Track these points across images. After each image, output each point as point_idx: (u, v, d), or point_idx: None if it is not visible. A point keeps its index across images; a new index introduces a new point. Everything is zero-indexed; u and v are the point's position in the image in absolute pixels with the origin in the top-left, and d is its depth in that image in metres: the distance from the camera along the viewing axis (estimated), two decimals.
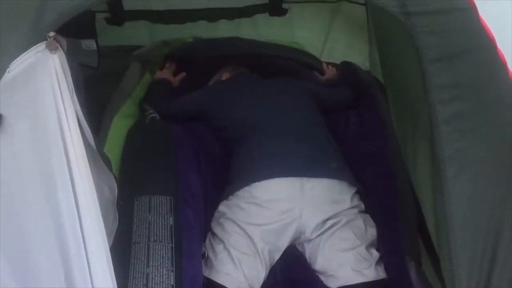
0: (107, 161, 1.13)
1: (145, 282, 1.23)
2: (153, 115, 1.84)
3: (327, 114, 1.87)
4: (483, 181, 1.03)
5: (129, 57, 2.15)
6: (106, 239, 0.91)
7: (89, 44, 1.75)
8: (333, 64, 2.31)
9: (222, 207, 1.53)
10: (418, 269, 1.39)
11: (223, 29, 2.41)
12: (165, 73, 2.17)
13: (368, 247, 1.46)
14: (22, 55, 0.88)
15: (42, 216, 0.88)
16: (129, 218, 1.35)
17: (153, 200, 1.41)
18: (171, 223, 1.36)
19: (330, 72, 2.24)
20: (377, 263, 1.43)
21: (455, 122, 1.02)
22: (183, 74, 2.19)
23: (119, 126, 1.74)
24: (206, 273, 1.39)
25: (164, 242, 1.31)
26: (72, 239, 0.87)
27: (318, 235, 1.47)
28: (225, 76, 2.05)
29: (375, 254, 1.46)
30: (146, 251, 1.28)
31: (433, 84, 1.02)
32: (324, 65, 2.29)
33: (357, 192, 1.56)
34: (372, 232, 1.50)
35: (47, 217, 0.88)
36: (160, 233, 1.33)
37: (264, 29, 2.47)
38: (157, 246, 1.30)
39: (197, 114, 1.89)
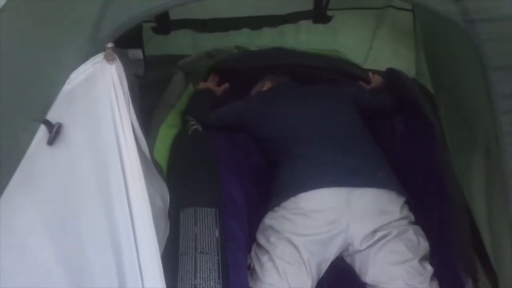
0: (160, 169, 1.14)
1: None
2: (195, 126, 1.84)
3: (371, 121, 1.84)
4: None
5: (174, 67, 2.17)
6: (157, 247, 0.91)
7: (136, 53, 1.78)
8: (378, 72, 2.26)
9: (267, 219, 1.51)
10: (474, 285, 1.34)
11: (266, 37, 2.42)
12: (209, 84, 2.18)
13: (421, 260, 1.41)
14: (81, 66, 0.90)
15: (97, 223, 0.89)
16: (175, 229, 1.35)
17: (198, 212, 1.41)
18: (216, 235, 1.36)
19: (376, 80, 2.19)
20: (432, 278, 1.39)
21: None
22: (226, 85, 2.19)
23: (166, 135, 1.75)
24: (251, 284, 1.38)
25: (211, 254, 1.31)
26: (126, 246, 0.88)
27: (368, 247, 1.43)
28: (266, 85, 2.04)
29: (429, 268, 1.41)
30: (193, 263, 1.28)
31: (497, 93, 0.97)
32: (370, 74, 2.24)
33: (406, 202, 1.52)
34: (424, 245, 1.45)
35: (102, 223, 0.88)
36: (207, 245, 1.33)
37: (306, 36, 2.46)
38: (204, 258, 1.30)
39: (238, 124, 1.88)
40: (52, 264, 0.89)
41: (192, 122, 1.87)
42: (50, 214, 0.90)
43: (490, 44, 0.97)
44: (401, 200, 1.50)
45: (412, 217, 1.51)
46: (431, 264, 1.43)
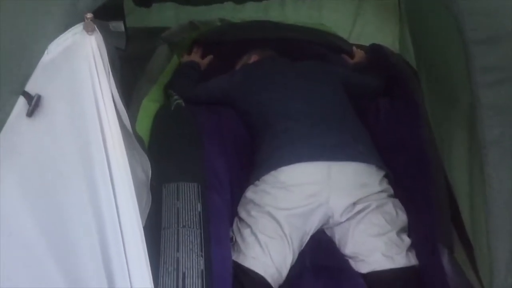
0: (140, 141, 1.13)
1: (175, 266, 1.24)
2: (178, 101, 1.83)
3: (357, 102, 1.84)
4: None
5: (157, 39, 2.14)
6: (139, 217, 0.91)
7: (117, 25, 1.74)
8: (362, 47, 2.26)
9: (248, 193, 1.52)
10: (450, 256, 1.37)
11: (250, 11, 2.40)
12: (193, 57, 2.16)
13: (399, 232, 1.44)
14: (60, 36, 0.88)
15: (80, 193, 0.88)
16: (158, 204, 1.36)
17: (181, 187, 1.42)
18: (199, 209, 1.37)
19: (359, 55, 2.19)
20: (409, 249, 1.42)
21: (499, 106, 0.99)
22: (210, 57, 2.18)
23: (148, 109, 1.75)
24: (234, 257, 1.40)
25: (193, 228, 1.33)
26: (108, 216, 0.88)
27: (347, 219, 1.46)
28: (253, 58, 2.03)
29: (407, 240, 1.44)
30: (175, 237, 1.30)
31: (476, 66, 0.99)
32: (354, 48, 2.24)
33: (385, 176, 1.54)
34: (402, 217, 1.48)
35: (85, 194, 0.88)
36: (189, 219, 1.34)
37: (292, 11, 2.45)
38: (186, 232, 1.31)
39: (223, 98, 1.88)
40: (34, 235, 0.89)
41: (175, 97, 1.86)
42: (31, 185, 0.90)
43: (471, 18, 0.97)
44: (380, 173, 1.52)
45: (391, 191, 1.54)
46: (409, 236, 1.46)
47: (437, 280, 1.35)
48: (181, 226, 1.32)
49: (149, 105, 1.78)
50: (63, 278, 0.84)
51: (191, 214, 1.36)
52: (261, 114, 1.71)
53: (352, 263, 1.44)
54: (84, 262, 0.86)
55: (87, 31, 0.89)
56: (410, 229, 1.48)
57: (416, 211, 1.50)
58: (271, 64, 1.92)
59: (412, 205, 1.52)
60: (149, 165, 1.23)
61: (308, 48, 2.20)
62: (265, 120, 1.68)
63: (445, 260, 1.38)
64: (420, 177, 1.55)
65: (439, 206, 1.46)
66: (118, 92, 0.96)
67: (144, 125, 1.68)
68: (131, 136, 1.05)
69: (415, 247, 1.44)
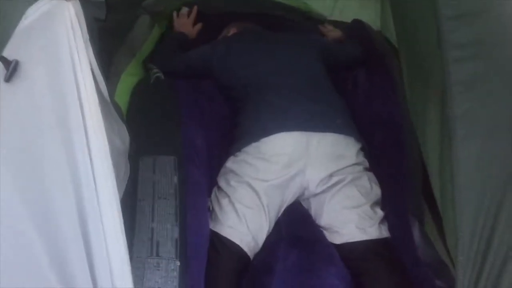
0: (119, 110, 1.14)
1: (150, 236, 1.27)
2: (157, 74, 1.83)
3: (335, 73, 1.86)
4: (493, 141, 1.03)
5: (138, 9, 2.11)
6: (116, 186, 0.92)
7: None
8: (342, 24, 2.27)
9: (229, 163, 1.55)
10: (421, 228, 1.42)
11: None
12: (184, 24, 2.14)
13: (373, 205, 1.48)
14: (38, 2, 0.88)
15: (57, 156, 0.89)
16: (134, 176, 1.38)
17: (157, 160, 1.44)
18: (175, 181, 1.39)
19: (336, 34, 2.19)
20: (381, 222, 1.46)
21: (469, 82, 1.01)
22: (199, 25, 2.17)
23: (127, 83, 1.74)
24: (211, 225, 1.43)
25: (168, 199, 1.35)
26: (85, 183, 0.89)
27: (323, 191, 1.49)
28: (232, 31, 2.03)
29: (380, 213, 1.48)
30: (151, 208, 1.32)
31: (448, 41, 1.00)
32: (330, 27, 2.25)
33: (361, 149, 1.58)
34: (376, 191, 1.52)
35: (64, 160, 0.89)
36: (165, 191, 1.36)
37: None
38: (161, 203, 1.33)
39: (202, 70, 1.87)
40: (13, 204, 0.89)
41: (155, 70, 1.85)
42: (9, 152, 0.90)
43: None
44: (357, 145, 1.56)
45: (367, 164, 1.57)
46: (383, 209, 1.50)
47: (407, 251, 1.40)
48: (157, 198, 1.34)
49: (128, 79, 1.77)
50: (39, 236, 0.85)
51: (167, 186, 1.37)
52: (242, 87, 1.72)
53: (326, 234, 1.48)
54: (62, 223, 0.86)
55: None
56: (384, 202, 1.52)
57: (390, 184, 1.54)
58: (252, 37, 1.93)
59: (386, 179, 1.56)
60: (127, 135, 1.24)
61: (286, 22, 2.21)
62: (246, 92, 1.69)
63: (415, 232, 1.43)
64: (395, 151, 1.59)
65: (411, 180, 1.50)
66: (97, 61, 0.96)
67: (123, 98, 1.67)
68: (108, 105, 1.06)
69: (388, 219, 1.48)
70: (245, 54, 1.80)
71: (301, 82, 1.67)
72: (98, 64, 0.98)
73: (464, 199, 1.06)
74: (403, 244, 1.42)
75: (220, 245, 1.37)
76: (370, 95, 1.83)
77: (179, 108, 1.67)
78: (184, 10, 2.20)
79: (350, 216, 1.45)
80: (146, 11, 2.13)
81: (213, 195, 1.52)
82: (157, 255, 1.22)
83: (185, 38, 2.09)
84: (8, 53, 0.89)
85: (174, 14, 2.19)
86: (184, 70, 1.89)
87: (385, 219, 1.48)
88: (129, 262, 0.87)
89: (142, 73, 1.90)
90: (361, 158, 1.56)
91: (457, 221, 1.06)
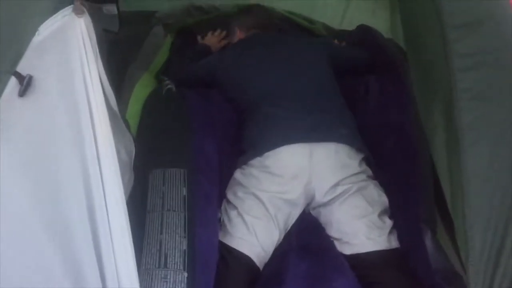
0: (126, 124, 1.16)
1: (158, 247, 1.27)
2: (169, 86, 1.83)
3: (345, 80, 1.84)
4: (501, 149, 1.03)
5: (152, 19, 2.15)
6: (123, 193, 0.95)
7: (110, 8, 1.77)
8: (347, 31, 2.26)
9: (237, 174, 1.56)
10: (433, 237, 1.40)
11: None
12: (210, 39, 2.18)
13: (381, 214, 1.47)
14: (50, 18, 0.91)
15: (70, 166, 0.92)
16: (144, 188, 1.39)
17: (167, 173, 1.44)
18: (184, 193, 1.39)
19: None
20: (391, 231, 1.45)
21: (475, 90, 1.02)
22: (225, 42, 2.19)
23: (140, 93, 1.76)
24: (221, 237, 1.43)
25: (177, 211, 1.35)
26: (96, 190, 0.91)
27: (330, 201, 1.49)
28: (238, 35, 2.02)
29: (388, 222, 1.47)
30: (160, 220, 1.32)
31: (454, 50, 1.01)
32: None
33: (363, 158, 1.57)
34: (383, 199, 1.51)
35: (75, 166, 0.92)
36: (174, 203, 1.37)
37: None
38: (170, 215, 1.34)
39: (210, 81, 1.88)
40: (27, 211, 0.92)
41: (167, 82, 1.86)
42: (24, 164, 0.93)
43: (448, 3, 1.00)
44: (360, 155, 1.55)
45: (370, 172, 1.56)
46: (394, 217, 1.49)
47: (420, 260, 1.37)
48: (166, 209, 1.35)
49: (141, 90, 1.79)
50: (53, 245, 0.88)
51: (176, 198, 1.38)
52: (245, 99, 1.72)
53: (337, 244, 1.47)
54: (74, 230, 0.89)
55: (77, 14, 0.92)
56: (395, 210, 1.51)
57: (402, 192, 1.52)
58: (259, 46, 1.89)
59: (397, 186, 1.54)
60: (133, 147, 1.26)
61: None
62: (250, 104, 1.69)
63: (428, 240, 1.41)
64: (406, 158, 1.57)
65: (423, 188, 1.49)
66: (106, 73, 0.99)
67: (135, 109, 1.69)
68: (116, 116, 1.08)
69: (400, 228, 1.47)
70: (250, 67, 1.79)
71: (307, 91, 1.67)
72: (107, 76, 1.00)
73: (474, 207, 1.06)
74: (415, 253, 1.40)
75: (230, 257, 1.38)
76: (382, 102, 1.81)
77: (190, 119, 1.68)
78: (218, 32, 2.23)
79: (359, 226, 1.44)
80: (159, 21, 2.17)
81: (222, 208, 1.52)
82: (165, 266, 1.23)
83: (209, 50, 2.10)
84: (22, 68, 0.92)
85: (210, 34, 2.22)
86: (193, 80, 1.90)
87: (394, 228, 1.47)
88: (136, 273, 0.88)
89: (154, 84, 1.92)
90: (364, 167, 1.56)
91: (468, 229, 1.06)
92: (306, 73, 1.74)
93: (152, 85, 1.90)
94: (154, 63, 2.04)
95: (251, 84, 1.73)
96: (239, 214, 1.45)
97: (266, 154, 1.51)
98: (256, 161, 1.52)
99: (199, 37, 2.23)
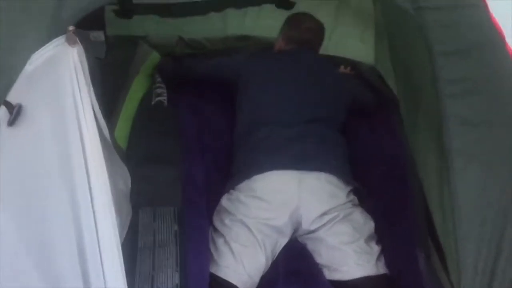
0: (121, 153, 1.15)
1: (150, 283, 1.26)
2: (159, 98, 1.81)
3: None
4: (491, 174, 1.04)
5: (137, 41, 2.16)
6: (117, 230, 0.92)
7: (97, 35, 1.77)
8: (345, 60, 2.28)
9: (224, 200, 1.54)
10: (427, 261, 1.41)
11: (233, 20, 2.41)
12: None
13: (368, 240, 1.47)
14: (43, 48, 0.90)
15: (60, 203, 0.90)
16: (134, 224, 1.36)
17: (157, 211, 1.42)
18: (175, 228, 1.38)
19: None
20: (378, 258, 1.45)
21: (464, 116, 1.04)
22: None
23: (134, 98, 1.78)
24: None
25: (169, 246, 1.34)
26: (86, 225, 0.89)
27: (317, 229, 1.48)
28: (278, 46, 1.94)
29: (376, 248, 1.47)
30: (151, 256, 1.32)
31: (442, 77, 1.03)
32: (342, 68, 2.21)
33: (352, 190, 1.57)
34: (369, 225, 1.51)
35: (65, 203, 0.90)
36: (165, 238, 1.36)
37: (268, 21, 2.46)
38: (162, 251, 1.33)
39: (229, 79, 1.83)
40: (14, 246, 0.90)
41: (158, 90, 1.84)
42: (11, 195, 0.91)
43: (437, 30, 1.02)
44: (348, 187, 1.56)
45: (356, 201, 1.56)
46: (381, 242, 1.49)
47: (413, 285, 1.38)
48: (157, 246, 1.34)
49: (134, 95, 1.79)
50: (42, 282, 0.85)
51: (167, 233, 1.37)
52: (249, 116, 1.70)
53: (326, 272, 1.46)
54: (63, 267, 0.87)
55: (69, 44, 0.92)
56: (384, 235, 1.51)
57: (393, 217, 1.53)
58: (288, 62, 1.82)
59: (388, 212, 1.55)
60: (129, 176, 1.25)
61: None
62: (249, 123, 1.68)
63: (422, 265, 1.42)
64: (398, 185, 1.58)
65: (415, 212, 1.50)
66: (99, 103, 0.98)
67: (129, 110, 1.70)
68: (110, 147, 1.07)
69: (390, 253, 1.47)
70: (269, 87, 1.73)
71: (306, 119, 1.65)
72: (100, 106, 1.00)
73: (465, 232, 1.06)
74: (408, 278, 1.40)
75: (217, 287, 1.35)
76: (375, 129, 1.84)
77: (181, 144, 1.65)
78: None
79: (347, 252, 1.43)
80: (148, 42, 2.18)
81: (209, 236, 1.48)
82: None
83: None
84: (12, 97, 0.91)
85: None
86: (206, 76, 1.88)
87: (382, 253, 1.47)
88: None
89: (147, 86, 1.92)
90: (351, 196, 1.56)
91: (460, 254, 1.07)
92: (313, 107, 1.70)
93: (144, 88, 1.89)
94: (143, 69, 2.03)
95: (261, 104, 1.70)
96: (226, 243, 1.43)
97: (255, 177, 1.50)
98: (244, 184, 1.51)
99: None
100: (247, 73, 1.78)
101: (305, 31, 1.91)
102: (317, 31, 1.96)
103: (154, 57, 2.14)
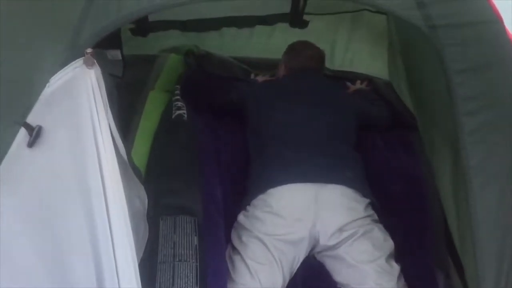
0: (138, 173, 1.16)
1: None
2: (179, 112, 1.84)
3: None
4: (509, 191, 1.03)
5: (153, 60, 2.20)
6: (134, 251, 0.93)
7: (115, 54, 1.80)
8: (360, 76, 2.30)
9: (240, 218, 1.54)
10: (446, 280, 1.39)
11: (244, 37, 2.44)
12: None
13: (388, 258, 1.45)
14: (61, 70, 0.92)
15: (77, 224, 0.91)
16: (155, 237, 1.37)
17: (178, 220, 1.43)
18: (195, 242, 1.38)
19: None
20: (398, 276, 1.43)
21: (480, 133, 1.03)
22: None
23: (155, 99, 1.87)
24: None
25: (189, 261, 1.34)
26: (104, 251, 0.90)
27: (335, 245, 1.47)
28: (280, 74, 2.02)
29: (396, 267, 1.45)
30: (171, 271, 1.31)
31: (458, 95, 1.03)
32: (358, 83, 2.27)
33: (369, 203, 1.56)
34: (389, 243, 1.49)
35: (82, 224, 0.91)
36: (185, 253, 1.36)
37: (283, 39, 2.48)
38: (182, 266, 1.33)
39: (238, 104, 1.90)
40: (33, 266, 0.91)
41: (178, 104, 1.87)
42: (30, 216, 0.93)
43: (451, 48, 1.02)
44: (365, 200, 1.54)
45: (376, 216, 1.55)
46: (401, 261, 1.47)
47: None
48: (177, 260, 1.34)
49: (156, 96, 1.88)
50: None
51: (188, 247, 1.37)
52: (264, 134, 1.73)
53: None
54: (80, 286, 0.88)
55: (87, 66, 0.94)
56: (403, 254, 1.49)
57: (412, 236, 1.52)
58: (294, 86, 1.88)
59: (407, 230, 1.54)
60: (146, 195, 1.26)
61: None
62: (264, 140, 1.70)
63: (441, 284, 1.40)
64: (417, 203, 1.57)
65: (434, 231, 1.48)
66: (116, 124, 0.99)
67: (153, 115, 1.76)
68: (127, 167, 1.08)
69: (409, 272, 1.45)
70: (279, 109, 1.76)
71: (319, 135, 1.67)
72: (117, 126, 1.01)
73: (485, 251, 1.05)
74: None
75: None
76: (392, 146, 1.84)
77: (200, 159, 1.67)
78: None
79: (368, 272, 1.42)
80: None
81: (227, 253, 1.50)
82: None
83: None
84: (31, 119, 0.93)
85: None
86: (236, 101, 1.93)
87: (402, 273, 1.45)
88: None
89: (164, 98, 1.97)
90: (370, 211, 1.54)
91: (480, 273, 1.05)
92: (328, 119, 1.73)
93: (161, 100, 1.93)
94: (165, 70, 2.10)
95: (274, 124, 1.73)
96: (243, 260, 1.43)
97: (269, 191, 1.50)
98: (259, 200, 1.51)
99: (252, 75, 2.30)
100: (255, 99, 1.85)
101: (305, 60, 1.98)
102: (318, 58, 2.04)
103: (173, 58, 2.19)
